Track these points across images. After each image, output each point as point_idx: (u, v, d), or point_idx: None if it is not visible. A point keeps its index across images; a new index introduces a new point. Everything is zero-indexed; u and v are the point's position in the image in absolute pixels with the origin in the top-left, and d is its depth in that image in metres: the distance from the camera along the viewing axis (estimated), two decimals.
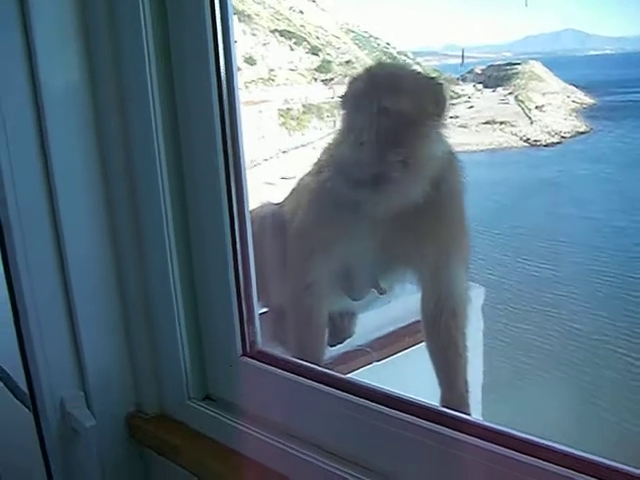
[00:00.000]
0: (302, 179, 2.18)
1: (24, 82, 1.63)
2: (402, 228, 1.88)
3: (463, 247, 2.00)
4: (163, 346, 1.86)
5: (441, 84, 1.86)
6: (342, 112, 1.88)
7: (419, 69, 1.99)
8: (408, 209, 1.83)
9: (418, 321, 2.19)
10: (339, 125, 1.91)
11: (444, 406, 1.90)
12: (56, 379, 1.83)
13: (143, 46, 1.62)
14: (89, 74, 1.71)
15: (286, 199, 2.25)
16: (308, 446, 1.59)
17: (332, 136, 1.95)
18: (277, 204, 2.28)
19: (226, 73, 1.59)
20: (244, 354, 1.75)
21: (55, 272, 1.77)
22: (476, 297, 2.55)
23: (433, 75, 1.88)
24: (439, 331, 2.01)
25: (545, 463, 1.22)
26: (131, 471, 1.97)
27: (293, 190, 2.24)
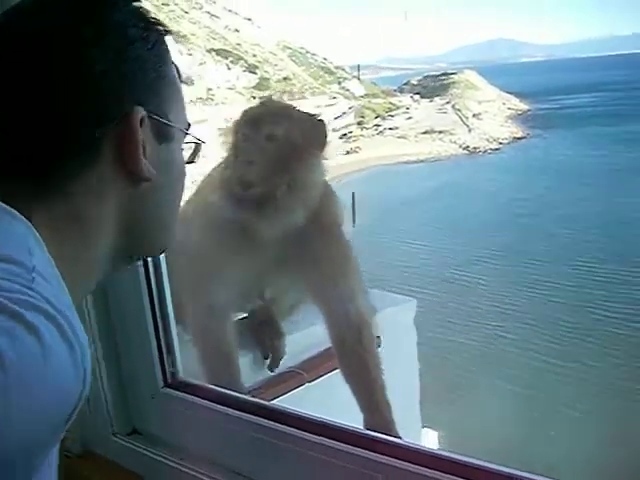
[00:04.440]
0: (189, 200, 2.22)
1: None
2: (283, 250, 2.01)
3: (347, 270, 2.07)
4: None
5: (322, 121, 2.00)
6: (232, 137, 1.99)
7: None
8: (290, 235, 1.96)
9: None
10: (228, 149, 2.01)
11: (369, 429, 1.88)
12: None
13: None
14: None
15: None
16: (234, 477, 1.55)
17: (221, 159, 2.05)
18: None
19: None
20: (165, 385, 1.70)
21: None
22: (407, 310, 2.55)
23: (314, 113, 2.05)
24: (348, 356, 2.06)
25: None
26: None
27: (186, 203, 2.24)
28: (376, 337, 2.31)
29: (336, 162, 33.23)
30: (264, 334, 2.30)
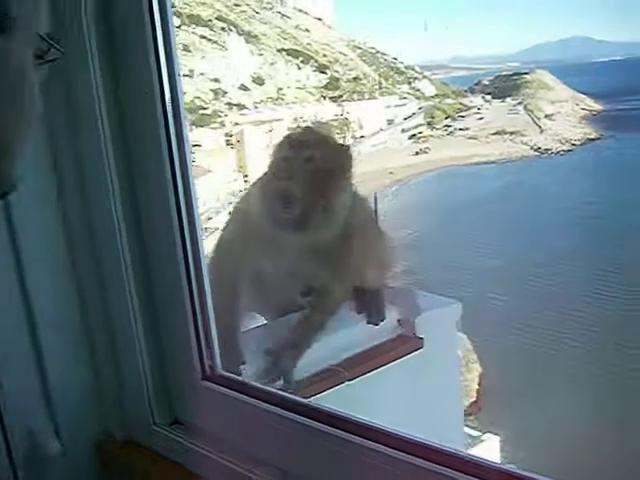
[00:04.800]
0: (236, 208, 2.50)
1: None
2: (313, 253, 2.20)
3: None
4: (126, 372, 1.85)
5: (350, 149, 2.25)
6: (273, 157, 2.16)
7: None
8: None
9: (390, 340, 2.40)
10: (269, 168, 2.17)
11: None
12: (23, 409, 1.83)
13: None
14: None
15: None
16: (272, 471, 1.59)
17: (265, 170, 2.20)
18: None
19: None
20: (204, 378, 1.75)
21: (19, 303, 1.77)
22: (452, 312, 2.55)
23: (343, 143, 2.39)
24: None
25: None
26: None
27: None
28: (419, 338, 2.35)
29: (404, 163, 33.09)
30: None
